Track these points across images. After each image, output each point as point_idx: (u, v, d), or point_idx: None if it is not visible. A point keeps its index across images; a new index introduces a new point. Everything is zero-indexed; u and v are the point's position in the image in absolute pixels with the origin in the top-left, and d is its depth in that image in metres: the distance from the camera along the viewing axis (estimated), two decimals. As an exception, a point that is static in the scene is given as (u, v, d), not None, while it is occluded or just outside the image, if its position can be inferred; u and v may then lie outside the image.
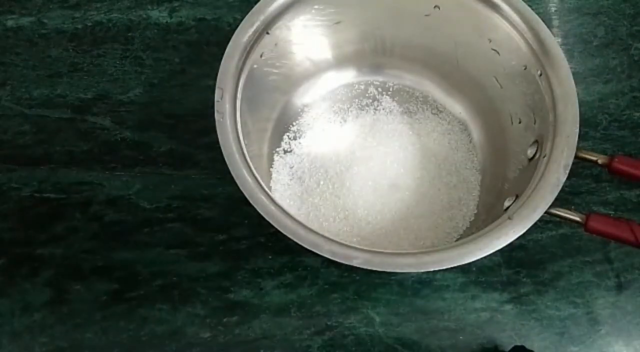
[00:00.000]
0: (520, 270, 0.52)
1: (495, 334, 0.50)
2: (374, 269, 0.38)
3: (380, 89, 0.56)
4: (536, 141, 0.45)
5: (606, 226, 0.40)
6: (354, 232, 0.50)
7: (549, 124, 0.43)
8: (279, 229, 0.39)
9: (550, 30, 0.45)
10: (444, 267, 0.38)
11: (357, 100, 0.56)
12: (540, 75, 0.45)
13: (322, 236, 0.39)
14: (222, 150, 0.41)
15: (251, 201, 0.40)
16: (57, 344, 0.49)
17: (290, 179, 0.52)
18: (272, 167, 0.53)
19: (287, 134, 0.54)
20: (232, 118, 0.43)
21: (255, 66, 0.46)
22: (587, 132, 0.57)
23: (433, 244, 0.50)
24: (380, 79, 0.57)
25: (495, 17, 0.47)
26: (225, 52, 0.44)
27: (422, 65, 0.56)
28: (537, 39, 0.45)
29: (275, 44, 0.47)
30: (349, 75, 0.56)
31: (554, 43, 0.45)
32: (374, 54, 0.56)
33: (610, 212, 0.54)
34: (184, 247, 0.52)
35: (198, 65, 0.58)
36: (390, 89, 0.56)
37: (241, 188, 0.40)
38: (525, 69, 0.46)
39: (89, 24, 0.60)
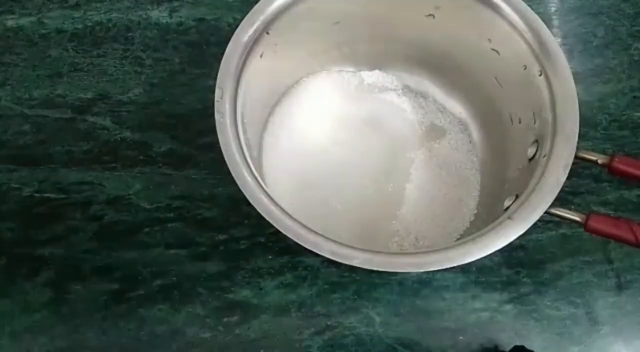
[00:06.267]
0: (520, 270, 0.52)
1: (496, 334, 0.50)
2: (374, 269, 0.38)
3: (379, 89, 0.56)
4: (536, 141, 0.45)
5: (606, 226, 0.40)
6: (354, 232, 0.50)
7: (549, 123, 0.43)
8: (279, 229, 0.39)
9: (550, 30, 0.45)
10: (444, 267, 0.38)
11: (356, 99, 0.56)
12: (540, 75, 0.45)
13: (322, 236, 0.39)
14: (222, 151, 0.41)
15: (251, 201, 0.40)
16: (57, 344, 0.49)
17: (290, 179, 0.52)
18: (271, 167, 0.53)
19: (287, 133, 0.54)
20: (232, 118, 0.42)
21: (255, 66, 0.46)
22: (587, 132, 0.57)
23: (433, 244, 0.50)
24: (380, 78, 0.57)
25: (495, 17, 0.46)
26: (225, 52, 0.44)
27: (422, 65, 0.56)
28: (537, 39, 0.45)
29: (276, 44, 0.47)
30: (348, 75, 0.56)
31: (554, 43, 0.45)
32: (373, 54, 0.56)
33: (610, 212, 0.54)
34: (184, 247, 0.52)
35: (198, 65, 0.58)
36: (390, 89, 0.56)
37: (241, 188, 0.40)
38: (525, 68, 0.46)
39: (89, 24, 0.60)
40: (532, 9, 0.45)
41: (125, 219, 0.53)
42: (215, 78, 0.43)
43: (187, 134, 0.56)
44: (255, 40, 0.45)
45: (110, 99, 0.57)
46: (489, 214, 0.48)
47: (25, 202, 0.53)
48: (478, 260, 0.38)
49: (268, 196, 0.40)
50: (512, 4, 0.46)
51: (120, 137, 0.56)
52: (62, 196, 0.54)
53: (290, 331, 0.50)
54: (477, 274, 0.52)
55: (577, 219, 0.41)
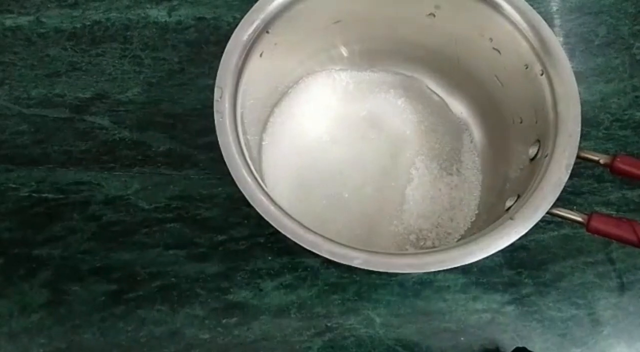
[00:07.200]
0: (521, 271, 0.52)
1: (497, 335, 0.50)
2: (374, 269, 0.38)
3: (379, 89, 0.56)
4: (538, 141, 0.45)
5: (608, 226, 0.40)
6: (354, 232, 0.50)
7: (551, 123, 0.43)
8: (278, 229, 0.39)
9: (552, 30, 0.45)
10: (445, 268, 0.38)
11: (356, 99, 0.56)
12: (542, 74, 0.45)
13: (322, 236, 0.39)
14: (222, 151, 0.41)
15: (251, 201, 0.40)
16: (55, 345, 0.49)
17: (290, 179, 0.52)
18: (271, 167, 0.52)
19: (287, 133, 0.54)
20: (231, 118, 0.42)
21: (254, 65, 0.46)
22: (589, 131, 0.57)
23: (434, 245, 0.50)
24: (380, 77, 0.56)
25: (497, 16, 0.46)
26: (225, 51, 0.44)
27: (422, 64, 0.56)
28: (539, 38, 0.45)
29: (275, 44, 0.47)
30: (348, 75, 0.56)
31: (555, 42, 0.44)
32: (373, 53, 0.56)
33: (612, 212, 0.54)
34: (183, 247, 0.52)
35: (197, 65, 0.58)
36: (390, 89, 0.56)
37: (241, 188, 0.40)
38: (526, 68, 0.46)
39: (88, 23, 0.60)
40: (534, 8, 0.45)
41: (123, 219, 0.53)
42: (215, 77, 0.43)
43: (186, 133, 0.56)
44: (255, 40, 0.45)
45: (108, 99, 0.57)
46: (490, 215, 0.48)
47: (23, 203, 0.53)
48: (479, 261, 0.38)
49: (268, 196, 0.40)
50: (513, 3, 0.45)
51: (119, 137, 0.56)
52: (60, 196, 0.53)
53: (290, 332, 0.50)
54: (479, 275, 0.52)
55: (579, 219, 0.41)
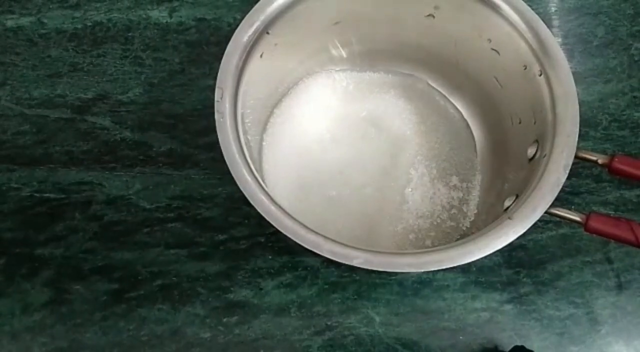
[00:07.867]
0: (520, 270, 0.52)
1: (495, 334, 0.50)
2: (374, 269, 0.38)
3: (379, 89, 0.56)
4: (536, 141, 0.45)
5: (606, 226, 0.40)
6: (354, 232, 0.50)
7: (549, 123, 0.43)
8: (279, 229, 0.39)
9: (551, 30, 0.45)
10: (444, 267, 0.38)
11: (356, 99, 0.56)
12: (540, 75, 0.45)
13: (322, 236, 0.39)
14: (222, 150, 0.41)
15: (251, 201, 0.40)
16: (57, 344, 0.49)
17: (290, 179, 0.52)
18: (271, 167, 0.53)
19: (287, 134, 0.54)
20: (232, 118, 0.42)
21: (255, 66, 0.46)
22: (587, 132, 0.57)
23: (433, 244, 0.50)
24: (380, 78, 0.57)
25: (495, 17, 0.46)
26: (226, 51, 0.44)
27: (422, 65, 0.56)
28: (537, 39, 0.45)
29: (275, 44, 0.47)
30: (348, 75, 0.56)
31: (554, 43, 0.45)
32: (373, 54, 0.56)
33: (610, 212, 0.54)
34: (184, 247, 0.52)
35: (198, 65, 0.58)
36: (390, 89, 0.56)
37: (241, 188, 0.40)
38: (525, 68, 0.46)
39: (89, 24, 0.60)
40: (532, 9, 0.45)
41: (125, 219, 0.53)
42: (215, 78, 0.43)
43: (187, 134, 0.56)
44: (255, 40, 0.45)
45: (110, 99, 0.57)
46: (489, 214, 0.48)
47: (25, 202, 0.53)
48: (478, 260, 0.38)
49: (268, 195, 0.40)
50: (512, 3, 0.46)
51: (120, 137, 0.56)
52: (62, 196, 0.54)
53: (290, 331, 0.50)
54: (477, 274, 0.52)
55: (577, 219, 0.41)
